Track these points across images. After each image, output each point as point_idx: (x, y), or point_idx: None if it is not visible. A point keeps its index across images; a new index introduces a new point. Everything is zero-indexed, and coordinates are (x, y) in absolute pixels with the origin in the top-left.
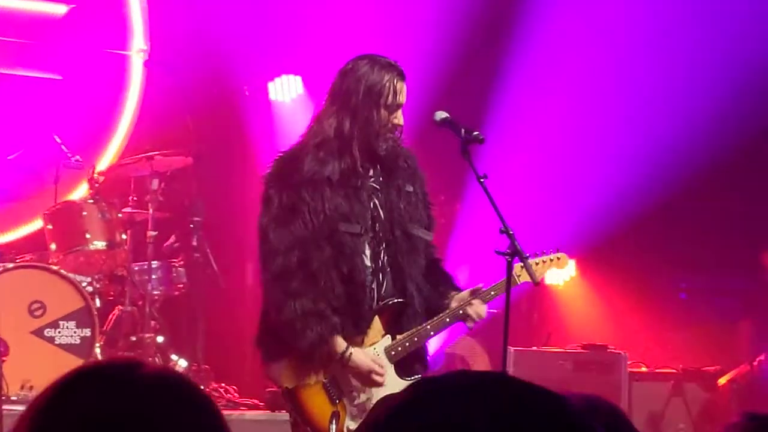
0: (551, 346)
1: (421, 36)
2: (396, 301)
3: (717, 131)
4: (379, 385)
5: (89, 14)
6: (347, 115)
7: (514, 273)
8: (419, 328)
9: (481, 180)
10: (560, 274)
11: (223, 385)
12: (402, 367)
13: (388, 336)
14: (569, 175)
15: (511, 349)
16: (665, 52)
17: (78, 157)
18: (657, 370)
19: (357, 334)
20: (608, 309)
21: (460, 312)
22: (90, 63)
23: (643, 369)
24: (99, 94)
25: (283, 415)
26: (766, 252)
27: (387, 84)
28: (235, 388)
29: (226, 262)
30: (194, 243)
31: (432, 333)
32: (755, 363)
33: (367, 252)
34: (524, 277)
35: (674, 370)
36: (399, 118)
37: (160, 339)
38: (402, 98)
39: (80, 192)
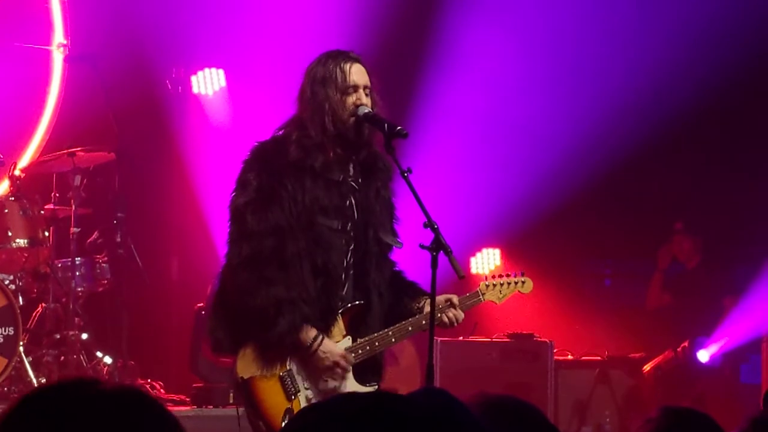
0: (477, 336)
1: (343, 31)
2: (359, 303)
3: (639, 119)
4: (341, 377)
5: (8, 9)
6: (306, 113)
7: (479, 290)
8: (381, 333)
9: (405, 174)
10: (488, 264)
11: (149, 381)
12: (358, 373)
13: (349, 337)
14: (491, 166)
15: (437, 339)
16: (582, 41)
17: None
18: (582, 358)
19: (323, 329)
20: (534, 298)
21: (424, 323)
22: (9, 58)
23: (569, 357)
24: (19, 90)
25: (209, 411)
26: (678, 237)
27: (332, 68)
28: (161, 384)
29: (151, 258)
30: (118, 239)
31: (393, 340)
32: (679, 349)
33: (340, 249)
34: (489, 296)
35: (599, 358)
36: (360, 98)
37: (84, 336)
38: (356, 78)
39: (1, 189)
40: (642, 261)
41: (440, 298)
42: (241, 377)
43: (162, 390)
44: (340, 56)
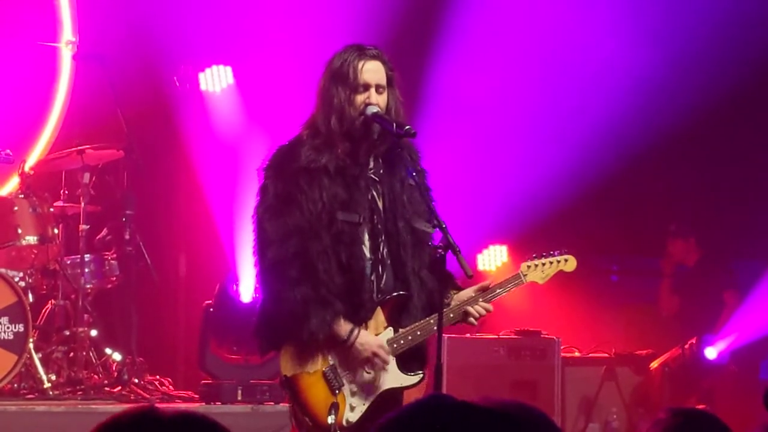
0: (485, 332)
1: (351, 28)
2: (399, 294)
3: (646, 116)
4: (381, 368)
5: (16, 5)
6: (320, 104)
7: (520, 272)
8: (422, 322)
9: (414, 174)
10: (495, 261)
11: (157, 377)
12: (403, 363)
13: (390, 329)
14: (499, 162)
15: (445, 336)
16: (591, 39)
17: (8, 151)
18: (590, 355)
19: (357, 324)
20: (541, 294)
21: (463, 310)
22: (18, 55)
23: (576, 354)
24: (28, 88)
25: (218, 407)
26: (671, 240)
27: (346, 65)
28: (169, 380)
29: (159, 255)
30: (126, 236)
31: (435, 328)
32: (687, 346)
33: (366, 242)
34: (531, 277)
35: (607, 355)
36: (371, 97)
37: (93, 332)
38: (367, 77)
39: (11, 186)
40: (649, 257)
41: (469, 291)
42: (285, 375)
43: (170, 386)
44: (357, 52)
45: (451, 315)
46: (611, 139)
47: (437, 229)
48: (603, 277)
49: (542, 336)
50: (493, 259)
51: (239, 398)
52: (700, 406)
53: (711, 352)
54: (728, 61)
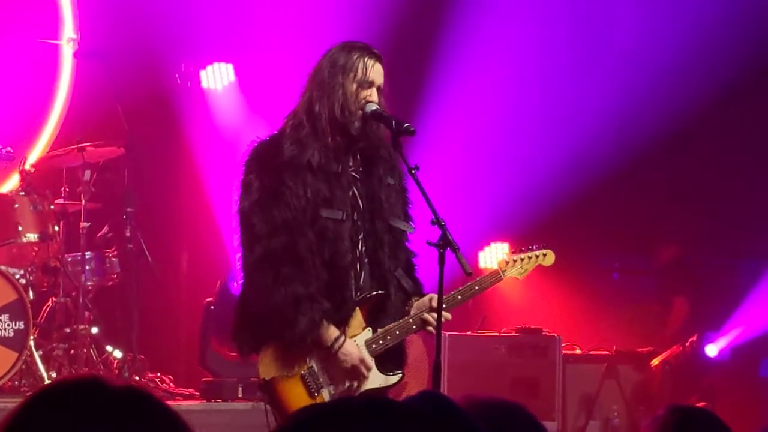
0: (486, 330)
1: (352, 28)
2: (377, 293)
3: (647, 115)
4: (363, 378)
5: (17, 3)
6: (316, 92)
7: (499, 269)
8: (400, 321)
9: (413, 171)
10: (497, 258)
11: (158, 375)
12: (381, 363)
13: (369, 329)
14: (500, 159)
15: (445, 334)
16: (593, 39)
17: (9, 148)
18: (591, 352)
19: (340, 322)
20: (542, 292)
21: (421, 318)
22: (19, 53)
23: (577, 351)
24: (29, 85)
25: (218, 405)
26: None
27: (356, 60)
28: (170, 377)
29: (160, 252)
30: (127, 233)
31: (414, 328)
32: (687, 344)
33: (347, 240)
34: (509, 273)
35: (607, 352)
36: (373, 95)
37: (94, 330)
38: (374, 75)
39: (11, 184)
40: (650, 256)
41: (426, 299)
42: (264, 378)
43: (171, 384)
44: (365, 50)
45: (410, 321)
46: (613, 136)
47: (415, 229)
48: (604, 275)
49: (543, 333)
50: (494, 256)
51: (240, 395)
52: (701, 404)
53: (712, 350)
54: (725, 61)
